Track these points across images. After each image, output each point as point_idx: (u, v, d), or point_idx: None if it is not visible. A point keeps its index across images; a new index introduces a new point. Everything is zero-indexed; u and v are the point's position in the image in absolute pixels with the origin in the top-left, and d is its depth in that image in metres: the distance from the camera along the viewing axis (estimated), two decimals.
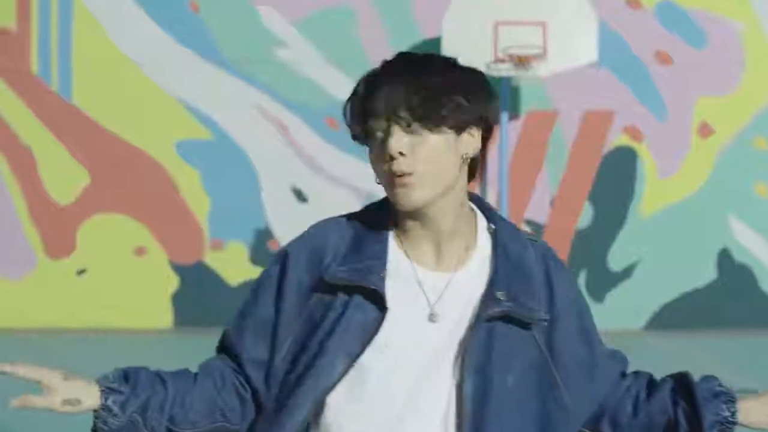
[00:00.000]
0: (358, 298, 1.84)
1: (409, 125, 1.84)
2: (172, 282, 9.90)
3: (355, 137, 1.93)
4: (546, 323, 1.91)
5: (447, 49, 9.07)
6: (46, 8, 9.84)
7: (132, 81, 9.84)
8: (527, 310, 1.88)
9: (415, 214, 1.87)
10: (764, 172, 10.01)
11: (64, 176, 9.83)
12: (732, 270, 9.99)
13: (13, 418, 4.26)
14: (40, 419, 2.81)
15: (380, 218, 1.92)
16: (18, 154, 9.88)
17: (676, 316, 9.89)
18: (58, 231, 9.86)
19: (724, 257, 10.00)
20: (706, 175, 10.03)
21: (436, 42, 9.21)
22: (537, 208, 9.99)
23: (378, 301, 1.83)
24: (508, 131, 9.65)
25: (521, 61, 9.03)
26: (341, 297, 1.85)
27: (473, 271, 1.89)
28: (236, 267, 9.83)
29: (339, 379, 1.82)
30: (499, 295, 1.85)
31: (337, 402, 1.83)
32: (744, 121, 10.04)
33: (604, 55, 9.72)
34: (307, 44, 9.92)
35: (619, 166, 10.03)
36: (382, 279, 1.84)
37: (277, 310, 1.89)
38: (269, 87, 9.90)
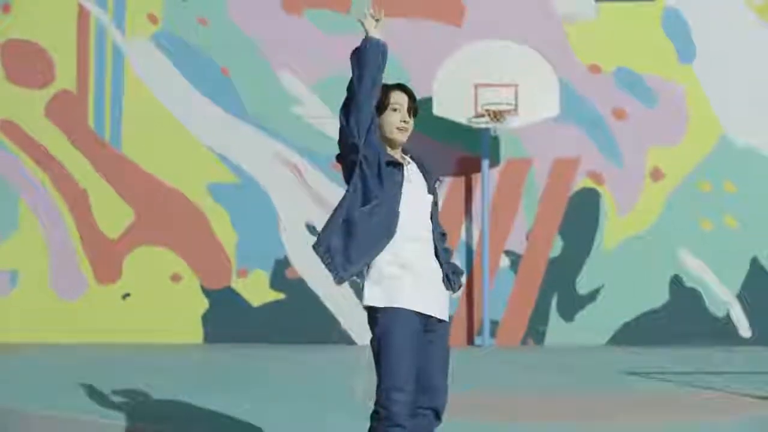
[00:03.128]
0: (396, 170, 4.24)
1: (410, 107, 4.34)
2: (203, 304, 10.96)
3: (379, 105, 4.33)
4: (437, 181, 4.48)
5: (437, 105, 10.35)
6: (101, 73, 11.09)
7: (172, 133, 10.97)
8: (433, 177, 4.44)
9: (399, 143, 4.39)
10: (708, 211, 10.96)
11: (114, 214, 10.94)
12: (682, 293, 10.86)
13: None
14: None
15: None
16: (75, 195, 11.02)
17: (635, 333, 10.80)
18: (107, 261, 10.95)
19: (676, 282, 10.88)
20: (658, 213, 10.95)
21: (429, 99, 10.38)
22: (515, 241, 10.94)
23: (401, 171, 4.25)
24: (489, 176, 10.74)
25: (496, 116, 10.15)
26: (392, 167, 4.23)
27: (413, 165, 4.39)
28: (259, 292, 10.92)
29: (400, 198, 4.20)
30: (427, 167, 4.42)
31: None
32: (690, 167, 11.00)
33: (570, 112, 10.92)
34: (318, 102, 11.06)
35: (584, 205, 10.97)
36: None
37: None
38: (287, 138, 11.05)
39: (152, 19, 11.18)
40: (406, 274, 4.04)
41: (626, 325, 10.94)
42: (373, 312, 4.05)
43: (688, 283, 10.99)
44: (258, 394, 6.72)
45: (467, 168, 11.04)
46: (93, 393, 6.49)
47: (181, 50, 11.14)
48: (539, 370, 8.31)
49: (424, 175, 4.32)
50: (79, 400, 6.39)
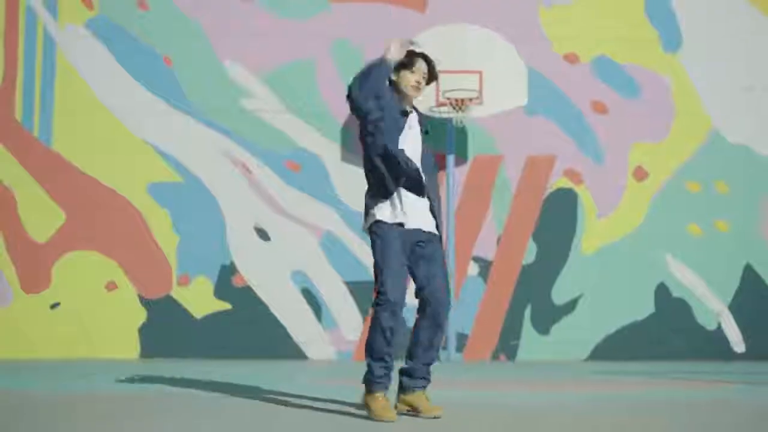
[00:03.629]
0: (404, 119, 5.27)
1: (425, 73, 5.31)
2: (141, 315, 9.93)
3: (403, 64, 5.27)
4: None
5: None
6: (30, 62, 10.12)
7: (107, 128, 10.02)
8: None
9: (412, 98, 5.34)
10: (697, 214, 10.09)
11: (42, 216, 9.92)
12: (669, 304, 9.96)
13: None
14: None
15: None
16: (0, 195, 10.01)
17: (617, 347, 9.86)
18: (34, 267, 9.93)
19: (662, 292, 9.97)
20: (642, 216, 10.07)
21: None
22: (484, 246, 10.01)
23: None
24: (455, 174, 9.88)
25: (459, 105, 9.27)
26: (402, 117, 5.25)
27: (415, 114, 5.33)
28: (202, 301, 9.91)
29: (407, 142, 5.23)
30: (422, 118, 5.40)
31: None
32: (677, 165, 10.15)
33: (544, 104, 10.13)
34: (269, 94, 10.20)
35: (561, 206, 10.06)
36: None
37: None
38: (235, 133, 10.16)
39: (87, 3, 10.27)
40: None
41: (607, 338, 9.99)
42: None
43: (676, 293, 10.08)
44: (183, 415, 5.72)
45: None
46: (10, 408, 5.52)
47: (118, 37, 10.21)
48: (507, 386, 7.34)
49: (420, 123, 5.33)
50: None
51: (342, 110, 10.14)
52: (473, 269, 10.07)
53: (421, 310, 5.22)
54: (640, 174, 10.20)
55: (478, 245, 10.09)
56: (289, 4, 10.29)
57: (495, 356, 10.00)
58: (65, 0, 10.24)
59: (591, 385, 7.39)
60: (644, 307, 10.03)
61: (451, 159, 9.80)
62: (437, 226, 5.24)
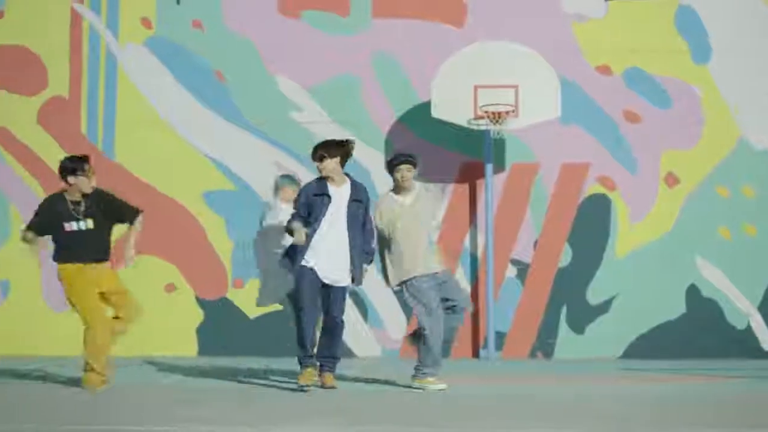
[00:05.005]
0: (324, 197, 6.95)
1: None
2: (198, 315, 10.63)
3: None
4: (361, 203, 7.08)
5: (435, 107, 10.01)
6: (94, 78, 10.86)
7: (165, 140, 10.71)
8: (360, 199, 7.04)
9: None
10: (726, 217, 10.48)
11: None
12: (699, 304, 10.37)
13: None
14: None
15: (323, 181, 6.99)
16: None
17: (650, 345, 10.30)
18: None
19: (692, 293, 10.38)
20: (673, 220, 10.48)
21: (427, 104, 10.12)
22: (522, 250, 10.50)
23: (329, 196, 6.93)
24: (493, 182, 10.34)
25: (496, 117, 9.80)
26: (319, 197, 6.88)
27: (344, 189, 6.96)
28: (255, 302, 10.64)
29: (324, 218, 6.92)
30: (354, 195, 7.03)
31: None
32: (706, 171, 10.54)
33: (579, 115, 10.53)
34: (315, 107, 10.78)
35: (595, 211, 10.53)
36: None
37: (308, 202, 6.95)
38: (284, 144, 10.75)
39: (146, 23, 10.97)
40: None
41: (640, 337, 10.45)
42: None
43: (706, 294, 10.50)
44: (229, 407, 6.36)
45: (470, 173, 10.65)
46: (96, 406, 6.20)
47: (175, 55, 10.89)
48: (543, 382, 7.88)
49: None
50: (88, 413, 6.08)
51: (384, 120, 10.76)
52: (511, 271, 10.61)
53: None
54: (671, 180, 10.65)
55: (517, 249, 10.60)
56: (334, 20, 10.88)
57: (532, 354, 10.52)
58: (126, 20, 10.94)
59: (623, 380, 7.91)
60: (676, 307, 10.46)
61: (489, 168, 10.34)
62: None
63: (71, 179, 7.02)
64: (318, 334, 7.18)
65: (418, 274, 7.00)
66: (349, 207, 6.94)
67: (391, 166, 7.17)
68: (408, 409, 5.97)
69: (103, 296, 7.06)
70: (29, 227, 6.99)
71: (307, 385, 6.92)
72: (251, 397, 6.70)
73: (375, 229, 7.17)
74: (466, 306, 7.26)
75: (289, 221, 7.00)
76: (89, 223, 7.07)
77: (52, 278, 10.64)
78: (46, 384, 7.55)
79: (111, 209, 7.19)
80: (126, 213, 7.31)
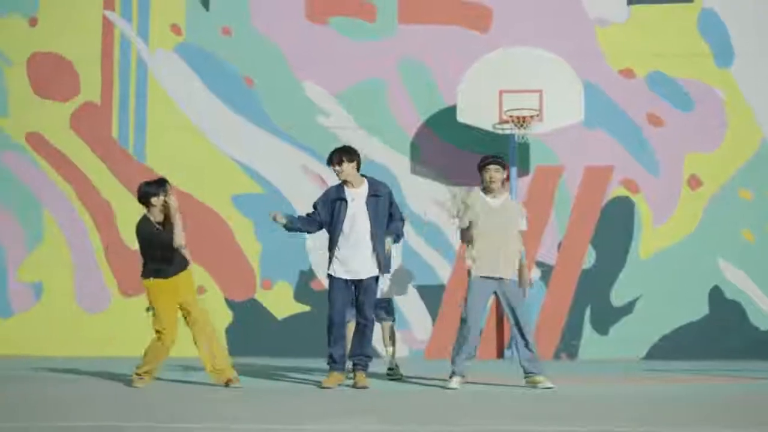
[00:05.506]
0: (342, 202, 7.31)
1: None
2: (227, 316, 10.87)
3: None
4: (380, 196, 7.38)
5: (460, 112, 10.20)
6: (125, 84, 11.14)
7: (196, 144, 10.96)
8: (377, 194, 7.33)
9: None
10: (750, 220, 10.59)
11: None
12: (723, 306, 10.49)
13: None
14: None
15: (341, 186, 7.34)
16: (99, 207, 11.05)
17: (674, 346, 10.43)
18: (130, 273, 10.92)
19: (716, 295, 10.51)
20: (696, 222, 10.62)
21: (453, 108, 10.28)
22: (547, 251, 10.68)
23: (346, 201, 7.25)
24: (518, 185, 10.51)
25: (521, 122, 9.98)
26: (338, 202, 7.26)
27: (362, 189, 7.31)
28: (283, 304, 10.80)
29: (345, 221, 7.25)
30: (371, 191, 7.25)
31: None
32: (730, 174, 10.67)
33: (602, 118, 10.72)
34: (342, 112, 11.00)
35: (618, 214, 10.68)
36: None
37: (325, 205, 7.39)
38: (311, 148, 10.94)
39: (176, 30, 11.22)
40: None
41: (664, 338, 10.59)
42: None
43: (729, 295, 10.62)
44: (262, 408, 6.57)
45: None
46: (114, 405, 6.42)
47: (204, 61, 11.14)
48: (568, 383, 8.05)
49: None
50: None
51: (409, 125, 10.96)
52: (536, 273, 10.77)
53: None
54: (694, 183, 10.77)
55: (541, 251, 10.77)
56: (360, 26, 11.09)
57: (557, 355, 10.68)
58: (156, 27, 11.20)
59: (646, 380, 8.06)
60: (699, 309, 10.59)
61: (514, 171, 10.49)
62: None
63: (154, 201, 7.39)
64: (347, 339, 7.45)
65: (481, 275, 7.13)
66: (367, 203, 7.26)
67: (480, 166, 7.30)
68: (432, 408, 6.15)
69: (180, 305, 7.42)
70: (145, 266, 7.36)
71: (330, 388, 7.19)
72: (283, 396, 6.90)
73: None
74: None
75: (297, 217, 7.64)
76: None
77: (85, 280, 11.00)
78: (89, 383, 7.79)
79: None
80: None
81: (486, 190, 7.28)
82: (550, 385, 7.15)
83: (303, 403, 6.44)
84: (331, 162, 7.35)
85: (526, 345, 7.22)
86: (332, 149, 7.44)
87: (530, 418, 5.55)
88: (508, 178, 10.28)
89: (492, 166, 7.23)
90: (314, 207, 7.46)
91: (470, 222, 7.18)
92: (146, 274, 7.41)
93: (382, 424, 5.29)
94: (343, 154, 7.32)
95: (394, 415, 5.74)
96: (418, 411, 5.98)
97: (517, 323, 7.20)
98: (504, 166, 7.30)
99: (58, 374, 8.46)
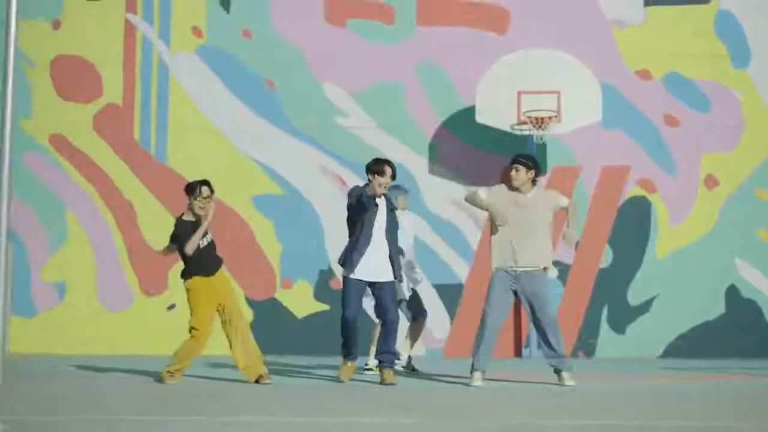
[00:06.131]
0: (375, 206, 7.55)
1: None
2: (248, 315, 11.04)
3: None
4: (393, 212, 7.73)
5: (479, 113, 10.36)
6: (147, 86, 11.36)
7: (215, 145, 11.15)
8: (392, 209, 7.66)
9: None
10: (766, 219, 10.70)
11: (159, 226, 10.79)
12: (739, 305, 10.62)
13: None
14: None
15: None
16: (122, 207, 11.26)
17: (690, 345, 10.57)
18: (152, 272, 11.10)
19: (732, 294, 10.65)
20: (712, 222, 10.76)
21: (471, 109, 10.48)
22: (564, 251, 10.70)
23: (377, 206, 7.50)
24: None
25: (539, 123, 10.16)
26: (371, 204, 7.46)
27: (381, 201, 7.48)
28: (303, 302, 11.00)
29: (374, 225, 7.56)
30: (389, 205, 7.55)
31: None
32: (746, 173, 10.81)
33: (619, 119, 10.88)
34: (361, 112, 11.19)
35: (635, 213, 10.84)
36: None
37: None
38: (331, 149, 11.17)
39: (197, 32, 11.42)
40: None
41: (680, 337, 10.73)
42: None
43: (746, 295, 10.75)
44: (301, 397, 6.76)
45: None
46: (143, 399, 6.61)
47: (225, 63, 11.34)
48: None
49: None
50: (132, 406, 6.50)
51: (427, 125, 11.13)
52: (553, 272, 10.91)
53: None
54: (710, 182, 10.91)
55: (559, 251, 10.75)
56: (379, 29, 11.27)
57: (574, 353, 10.83)
58: (177, 30, 11.42)
59: (662, 378, 8.21)
60: (715, 308, 10.73)
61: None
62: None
63: (189, 198, 7.67)
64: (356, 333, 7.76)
65: (500, 266, 7.30)
66: (387, 215, 7.58)
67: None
68: (455, 404, 6.33)
69: (219, 305, 7.60)
70: (185, 265, 7.59)
71: (345, 379, 7.57)
72: (310, 392, 7.10)
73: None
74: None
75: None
76: (209, 238, 7.70)
77: (107, 279, 11.22)
78: (121, 379, 8.00)
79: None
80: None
81: (510, 186, 7.44)
82: (570, 383, 7.31)
83: (331, 397, 6.63)
84: (380, 173, 7.38)
85: (546, 342, 7.40)
86: (377, 159, 7.53)
87: (548, 412, 5.73)
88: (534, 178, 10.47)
89: (513, 165, 7.39)
90: (353, 205, 7.50)
91: (494, 213, 7.32)
92: (185, 274, 7.59)
93: (411, 418, 5.47)
94: (388, 166, 7.43)
95: (422, 411, 5.92)
96: (444, 406, 6.17)
97: (535, 319, 7.37)
98: (527, 167, 7.41)
99: (88, 372, 8.67)
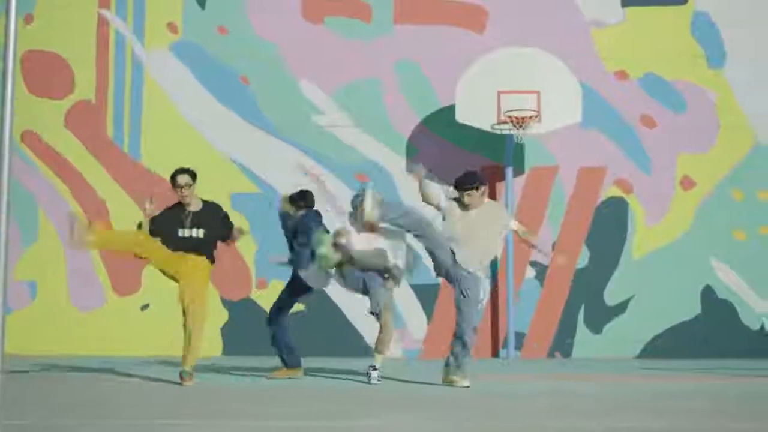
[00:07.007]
0: None
1: None
2: (223, 315, 11.04)
3: None
4: None
5: (459, 112, 10.44)
6: (120, 82, 11.29)
7: (191, 143, 11.07)
8: None
9: None
10: (742, 220, 10.85)
11: (133, 224, 11.08)
12: (715, 305, 10.76)
13: None
14: None
15: None
16: (94, 205, 11.15)
17: (666, 345, 10.67)
18: (125, 272, 11.00)
19: (708, 294, 10.78)
20: (689, 222, 10.88)
21: (451, 108, 10.55)
22: (540, 254, 10.50)
23: None
24: (513, 184, 10.72)
25: (519, 122, 10.21)
26: None
27: None
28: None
29: None
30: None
31: None
32: (722, 174, 10.93)
33: (596, 119, 10.92)
34: (337, 110, 11.18)
35: (612, 214, 10.93)
36: None
37: None
38: (307, 146, 11.13)
39: (172, 28, 11.36)
40: None
41: (657, 337, 10.83)
42: None
43: (721, 295, 10.88)
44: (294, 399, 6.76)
45: (491, 176, 10.99)
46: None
47: (200, 59, 11.29)
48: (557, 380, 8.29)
49: None
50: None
51: (405, 125, 11.15)
52: (530, 273, 11.00)
53: None
54: (687, 183, 11.02)
55: (536, 251, 10.93)
56: (356, 26, 11.28)
57: (551, 354, 10.91)
58: (152, 25, 11.35)
59: (639, 378, 8.30)
60: (691, 309, 10.85)
61: (509, 171, 10.72)
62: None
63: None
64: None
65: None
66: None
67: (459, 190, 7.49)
68: (438, 405, 6.37)
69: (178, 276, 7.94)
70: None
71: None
72: (308, 394, 7.10)
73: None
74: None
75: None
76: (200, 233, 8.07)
77: (79, 279, 11.11)
78: (120, 382, 7.96)
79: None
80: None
81: (461, 206, 7.46)
82: (465, 384, 7.31)
83: (317, 400, 6.63)
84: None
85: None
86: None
87: (531, 414, 5.78)
88: (502, 179, 10.54)
89: (465, 193, 7.36)
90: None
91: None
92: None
93: (418, 420, 5.50)
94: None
95: (425, 412, 5.94)
96: (445, 406, 6.20)
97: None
98: (476, 188, 7.38)
99: (84, 373, 8.61)
